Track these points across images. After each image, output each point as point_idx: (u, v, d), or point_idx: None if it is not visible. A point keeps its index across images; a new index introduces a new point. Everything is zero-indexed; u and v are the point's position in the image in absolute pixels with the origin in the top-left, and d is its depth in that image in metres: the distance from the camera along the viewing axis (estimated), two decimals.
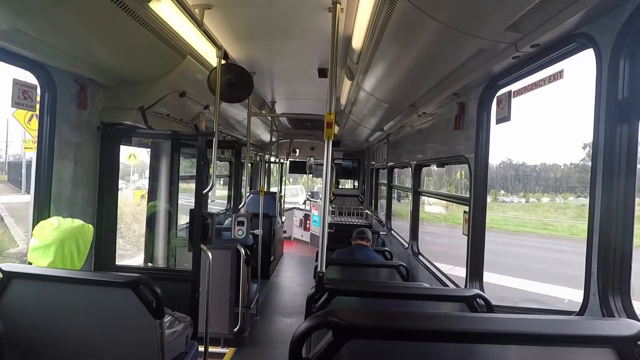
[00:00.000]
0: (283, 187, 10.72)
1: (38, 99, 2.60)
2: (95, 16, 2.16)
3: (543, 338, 1.05)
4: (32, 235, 2.30)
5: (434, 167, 4.55)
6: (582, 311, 1.67)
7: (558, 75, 1.90)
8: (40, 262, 2.23)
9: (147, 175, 4.31)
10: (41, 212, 2.66)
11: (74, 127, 2.83)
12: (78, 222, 2.36)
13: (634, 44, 1.48)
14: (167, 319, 2.74)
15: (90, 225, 2.43)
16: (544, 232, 18.10)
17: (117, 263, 3.26)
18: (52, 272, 2.14)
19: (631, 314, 1.50)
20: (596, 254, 1.59)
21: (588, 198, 1.63)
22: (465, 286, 2.82)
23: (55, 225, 2.26)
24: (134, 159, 12.98)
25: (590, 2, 1.50)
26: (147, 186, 4.29)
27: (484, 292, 2.64)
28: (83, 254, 2.37)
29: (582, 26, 1.68)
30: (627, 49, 1.49)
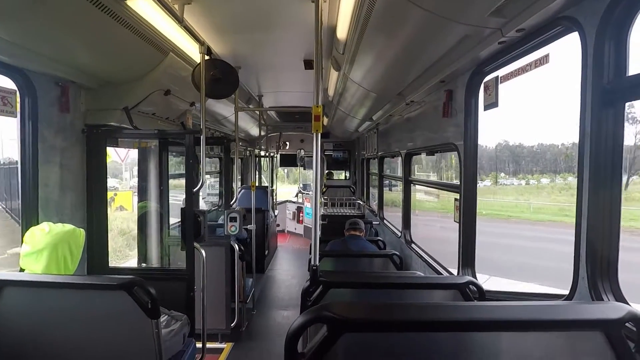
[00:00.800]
0: (275, 180, 10.69)
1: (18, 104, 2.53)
2: (72, 17, 2.10)
3: (534, 324, 1.06)
4: (22, 242, 2.27)
5: (424, 155, 4.56)
6: (571, 294, 1.70)
7: (544, 60, 1.90)
8: (33, 268, 2.22)
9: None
10: (29, 218, 2.61)
11: (57, 132, 2.77)
12: (69, 226, 2.36)
13: (618, 26, 1.48)
14: (163, 318, 2.74)
15: (82, 230, 2.43)
16: (567, 219, 15.45)
17: (110, 265, 3.23)
18: (44, 278, 2.12)
19: (619, 297, 1.52)
20: (585, 238, 1.61)
21: (576, 183, 1.65)
22: (458, 273, 2.85)
23: (46, 231, 2.25)
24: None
25: None
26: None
27: (476, 278, 2.68)
28: (76, 258, 2.36)
29: (567, 9, 1.67)
30: (612, 31, 1.49)
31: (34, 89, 2.56)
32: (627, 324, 1.06)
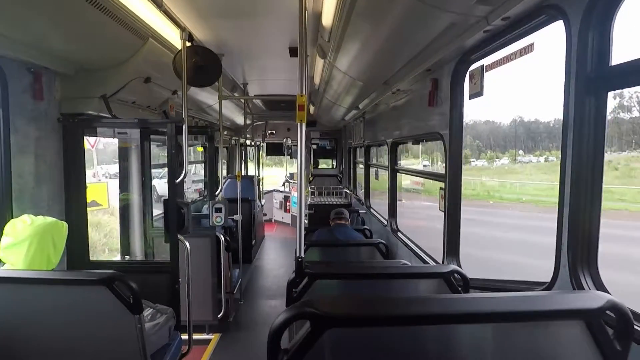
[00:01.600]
0: (261, 170, 10.61)
1: None
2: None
3: (516, 315, 1.07)
4: (3, 233, 2.19)
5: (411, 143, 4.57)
6: (553, 282, 1.73)
7: (529, 49, 1.89)
8: (15, 259, 2.16)
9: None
10: (2, 211, 2.52)
11: (30, 120, 2.66)
12: (51, 219, 2.29)
13: (602, 16, 1.48)
14: (148, 312, 2.70)
15: (65, 223, 2.36)
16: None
17: (91, 259, 3.16)
18: (23, 274, 2.06)
19: (599, 285, 1.56)
20: (566, 226, 1.63)
21: (559, 170, 1.66)
22: (443, 262, 2.88)
23: (28, 222, 2.19)
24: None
25: None
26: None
27: (460, 267, 2.71)
28: (59, 250, 2.31)
29: None
30: (596, 20, 1.49)
31: (4, 75, 2.44)
32: (607, 312, 1.07)
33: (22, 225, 2.18)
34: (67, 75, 2.90)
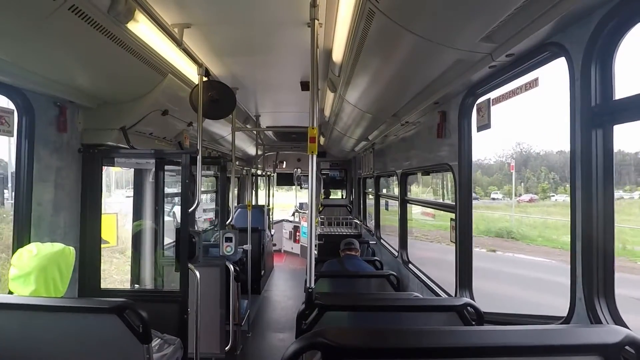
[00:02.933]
0: (271, 200, 10.67)
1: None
2: (72, 38, 2.14)
3: (532, 350, 1.05)
4: (10, 264, 2.23)
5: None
6: (569, 316, 1.69)
7: (534, 83, 1.95)
8: (21, 292, 2.16)
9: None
10: (21, 237, 2.58)
11: (53, 151, 2.78)
12: (58, 246, 2.30)
13: (603, 52, 1.53)
14: (155, 342, 2.68)
15: (72, 248, 2.37)
16: None
17: (102, 287, 3.18)
18: (34, 301, 2.08)
19: (617, 318, 1.52)
20: (580, 258, 1.61)
21: (569, 204, 1.66)
22: (455, 295, 2.82)
23: (34, 253, 2.19)
24: None
25: (560, 12, 1.55)
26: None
27: (474, 299, 2.66)
28: (66, 278, 2.31)
29: (554, 35, 1.73)
30: (597, 56, 1.54)
31: (32, 109, 2.58)
32: (625, 347, 1.05)
33: (28, 256, 2.19)
34: (90, 109, 3.05)
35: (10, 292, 2.23)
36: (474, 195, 2.59)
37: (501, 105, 2.26)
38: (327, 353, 1.02)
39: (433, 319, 2.03)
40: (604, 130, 1.54)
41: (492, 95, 2.40)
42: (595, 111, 1.54)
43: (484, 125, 2.44)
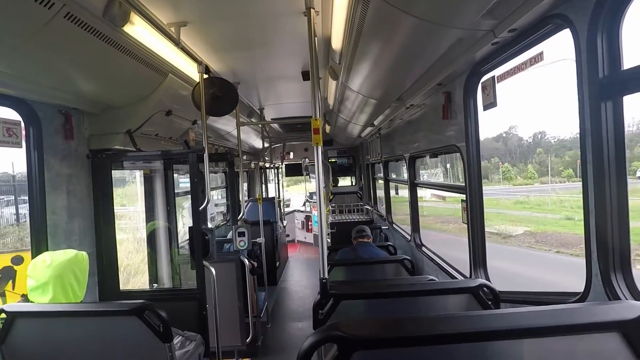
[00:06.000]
0: (282, 191, 10.71)
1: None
2: (70, 46, 2.14)
3: (548, 330, 1.04)
4: (27, 275, 2.28)
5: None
6: (586, 292, 1.67)
7: (538, 58, 1.89)
8: (41, 301, 2.21)
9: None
10: (39, 245, 2.65)
11: (62, 159, 2.82)
12: (70, 252, 2.34)
13: (609, 20, 1.47)
14: (177, 340, 2.74)
15: (84, 253, 2.41)
16: None
17: (121, 288, 3.25)
18: (55, 307, 2.13)
19: (635, 293, 1.49)
20: (594, 234, 1.59)
21: (581, 180, 1.63)
22: (470, 276, 2.82)
23: (47, 262, 2.23)
24: None
25: None
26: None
27: (489, 279, 2.65)
28: (83, 283, 2.35)
29: (557, 7, 1.67)
30: (603, 25, 1.48)
31: (38, 119, 2.61)
32: None
33: (42, 266, 2.22)
34: (94, 114, 3.08)
35: (30, 302, 2.29)
36: None
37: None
38: (343, 345, 1.02)
39: (449, 301, 2.03)
40: (614, 102, 1.49)
41: (497, 72, 2.34)
42: (604, 83, 1.50)
43: (490, 103, 2.39)
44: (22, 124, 2.56)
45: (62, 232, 2.80)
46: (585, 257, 1.65)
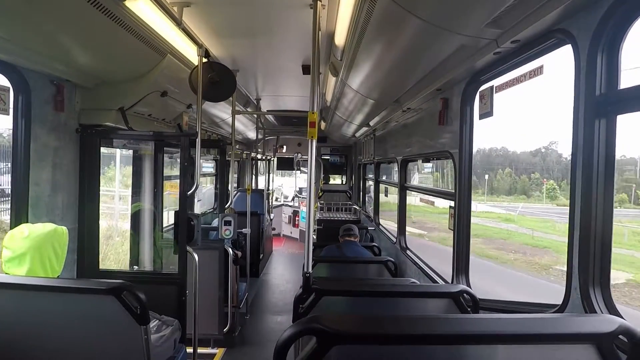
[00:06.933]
0: (271, 184, 10.67)
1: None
2: (69, 16, 2.09)
3: (526, 337, 1.06)
4: (3, 245, 2.21)
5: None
6: (564, 304, 1.70)
7: (538, 71, 1.91)
8: (17, 272, 2.15)
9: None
10: (19, 217, 2.58)
11: (51, 130, 2.75)
12: (50, 226, 2.26)
13: (610, 40, 1.49)
14: (154, 323, 2.71)
15: (64, 228, 2.34)
16: None
17: (100, 267, 3.20)
18: (31, 280, 2.09)
19: (611, 307, 1.53)
20: (577, 249, 1.61)
21: (569, 194, 1.65)
22: (452, 281, 2.84)
23: (25, 234, 2.16)
24: None
25: None
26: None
27: (470, 286, 2.68)
28: (61, 258, 2.29)
29: (561, 22, 1.69)
30: (604, 44, 1.51)
31: (28, 87, 2.54)
32: (619, 336, 1.06)
33: (20, 237, 2.15)
34: (87, 88, 3.01)
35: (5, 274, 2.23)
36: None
37: None
38: (322, 338, 1.02)
39: (429, 305, 2.04)
40: (608, 120, 1.52)
41: (496, 82, 2.36)
42: (600, 100, 1.52)
43: (486, 112, 2.41)
44: (11, 91, 2.49)
45: (44, 205, 2.74)
46: (566, 270, 1.68)
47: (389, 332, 1.08)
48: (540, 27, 1.74)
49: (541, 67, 1.89)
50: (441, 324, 1.14)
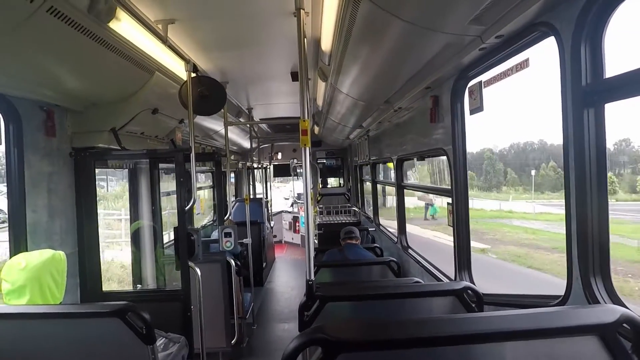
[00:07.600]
0: (269, 192, 10.67)
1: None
2: (53, 41, 2.09)
3: (530, 333, 1.06)
4: (1, 278, 2.15)
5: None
6: (566, 296, 1.70)
7: (524, 64, 1.93)
8: (17, 304, 2.12)
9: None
10: (17, 245, 2.57)
11: (44, 156, 2.74)
12: (47, 253, 2.22)
13: (593, 30, 1.51)
14: (160, 341, 2.69)
15: (62, 253, 2.29)
16: None
17: (103, 289, 3.19)
18: (34, 309, 2.06)
19: (613, 295, 1.53)
20: (575, 239, 1.62)
21: (563, 186, 1.66)
22: (455, 278, 2.85)
23: (22, 265, 2.11)
24: None
25: None
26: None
27: (473, 282, 2.68)
28: (61, 285, 2.24)
29: (543, 15, 1.70)
30: (587, 35, 1.52)
31: (19, 115, 2.54)
32: (623, 325, 1.06)
33: (17, 269, 2.11)
34: (78, 112, 3.01)
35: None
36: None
37: None
38: (327, 348, 1.02)
39: (434, 304, 2.05)
40: (596, 110, 1.53)
41: (484, 77, 2.37)
42: (587, 90, 1.53)
43: (477, 108, 2.42)
44: (2, 120, 2.49)
45: (43, 231, 2.72)
46: (566, 262, 1.68)
47: (394, 337, 1.08)
48: (522, 21, 1.75)
49: (527, 60, 1.90)
50: (445, 325, 1.14)
